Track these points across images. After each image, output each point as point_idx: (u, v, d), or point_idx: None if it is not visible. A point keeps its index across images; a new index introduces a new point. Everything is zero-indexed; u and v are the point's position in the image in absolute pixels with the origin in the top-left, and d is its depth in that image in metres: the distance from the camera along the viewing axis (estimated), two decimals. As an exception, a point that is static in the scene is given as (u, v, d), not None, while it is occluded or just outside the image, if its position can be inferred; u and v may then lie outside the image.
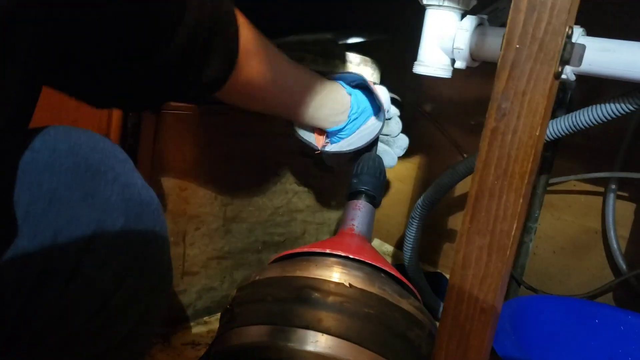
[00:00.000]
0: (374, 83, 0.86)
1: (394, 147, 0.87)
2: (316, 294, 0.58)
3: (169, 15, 0.50)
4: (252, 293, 0.62)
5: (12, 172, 0.42)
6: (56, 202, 0.43)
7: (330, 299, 0.58)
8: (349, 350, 0.55)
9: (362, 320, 0.57)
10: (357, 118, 0.80)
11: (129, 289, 0.45)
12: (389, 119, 0.85)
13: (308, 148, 0.82)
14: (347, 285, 0.59)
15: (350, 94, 0.79)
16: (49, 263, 0.42)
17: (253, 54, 0.61)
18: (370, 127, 0.81)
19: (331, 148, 0.81)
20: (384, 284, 0.62)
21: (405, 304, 0.61)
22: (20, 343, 0.42)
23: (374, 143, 0.83)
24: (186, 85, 0.57)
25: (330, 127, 0.79)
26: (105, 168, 0.45)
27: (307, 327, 0.56)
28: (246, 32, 0.59)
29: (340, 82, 0.79)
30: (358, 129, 0.81)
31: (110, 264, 0.44)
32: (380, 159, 0.83)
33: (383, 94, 0.82)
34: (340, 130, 0.80)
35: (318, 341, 0.55)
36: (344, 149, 0.80)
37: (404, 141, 0.87)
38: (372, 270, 0.64)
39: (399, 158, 0.87)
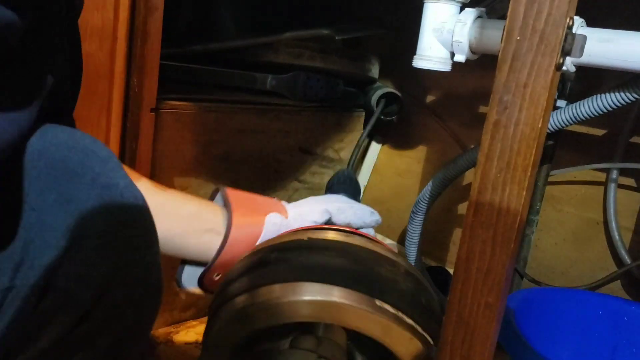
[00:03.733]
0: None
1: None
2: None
3: None
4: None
5: None
6: (27, 209, 0.39)
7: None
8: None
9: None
10: None
11: (112, 301, 0.41)
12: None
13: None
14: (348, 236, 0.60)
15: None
16: (18, 276, 0.39)
17: None
18: None
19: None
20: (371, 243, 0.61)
21: (402, 260, 0.61)
22: None
23: None
24: None
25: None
26: (84, 169, 0.41)
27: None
28: None
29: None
30: None
31: (88, 276, 0.40)
32: (351, 172, 0.83)
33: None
34: None
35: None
36: None
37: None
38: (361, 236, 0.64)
39: (398, 154, 0.84)
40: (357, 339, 0.60)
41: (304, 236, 0.59)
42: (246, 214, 0.63)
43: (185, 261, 0.65)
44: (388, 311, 0.51)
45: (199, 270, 0.63)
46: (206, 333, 0.58)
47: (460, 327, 0.43)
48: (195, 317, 0.90)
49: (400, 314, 0.52)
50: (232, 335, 0.55)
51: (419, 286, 0.57)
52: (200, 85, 0.94)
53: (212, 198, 0.68)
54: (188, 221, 0.63)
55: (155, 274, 0.45)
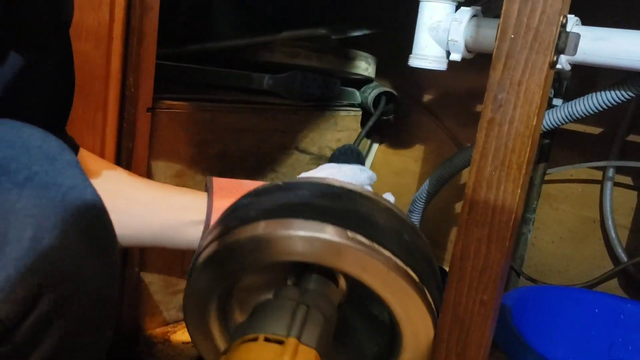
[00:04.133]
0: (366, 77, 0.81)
1: None
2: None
3: None
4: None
5: None
6: None
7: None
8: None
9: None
10: None
11: (40, 320, 0.36)
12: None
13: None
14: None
15: None
16: None
17: None
18: None
19: None
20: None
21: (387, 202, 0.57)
22: None
23: None
24: None
25: None
26: (18, 167, 0.36)
27: None
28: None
29: None
30: None
31: (11, 290, 0.34)
32: (355, 146, 0.81)
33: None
34: None
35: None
36: None
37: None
38: None
39: (395, 153, 0.83)
40: (354, 303, 0.57)
41: (280, 182, 0.56)
42: (228, 196, 0.62)
43: None
44: (362, 242, 0.48)
45: None
46: (184, 296, 0.55)
47: (456, 325, 0.43)
48: (192, 316, 0.90)
49: (375, 246, 0.48)
50: (207, 288, 0.52)
51: (401, 223, 0.53)
52: (197, 85, 0.94)
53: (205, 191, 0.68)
54: (182, 213, 0.62)
55: (102, 285, 0.40)
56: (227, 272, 0.52)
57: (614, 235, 0.87)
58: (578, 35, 0.40)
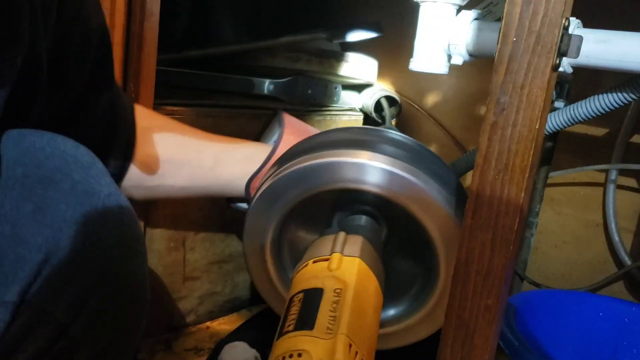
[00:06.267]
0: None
1: None
2: None
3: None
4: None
5: None
6: (2, 221, 0.37)
7: None
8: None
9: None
10: None
11: (90, 315, 0.39)
12: None
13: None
14: None
15: None
16: None
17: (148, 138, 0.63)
18: None
19: None
20: None
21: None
22: None
23: None
24: None
25: None
26: (62, 176, 0.39)
27: None
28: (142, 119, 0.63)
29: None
30: None
31: (64, 291, 0.38)
32: None
33: None
34: None
35: None
36: None
37: None
38: None
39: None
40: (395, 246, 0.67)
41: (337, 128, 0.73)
42: (295, 133, 0.73)
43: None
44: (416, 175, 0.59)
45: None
46: (243, 229, 0.67)
47: (461, 330, 0.43)
48: (194, 323, 0.89)
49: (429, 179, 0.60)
50: (263, 217, 0.64)
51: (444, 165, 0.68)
52: (198, 91, 0.94)
53: (273, 120, 0.82)
54: (247, 164, 0.69)
55: (138, 283, 0.43)
56: (281, 202, 0.62)
57: (617, 238, 0.86)
58: (580, 38, 0.40)
